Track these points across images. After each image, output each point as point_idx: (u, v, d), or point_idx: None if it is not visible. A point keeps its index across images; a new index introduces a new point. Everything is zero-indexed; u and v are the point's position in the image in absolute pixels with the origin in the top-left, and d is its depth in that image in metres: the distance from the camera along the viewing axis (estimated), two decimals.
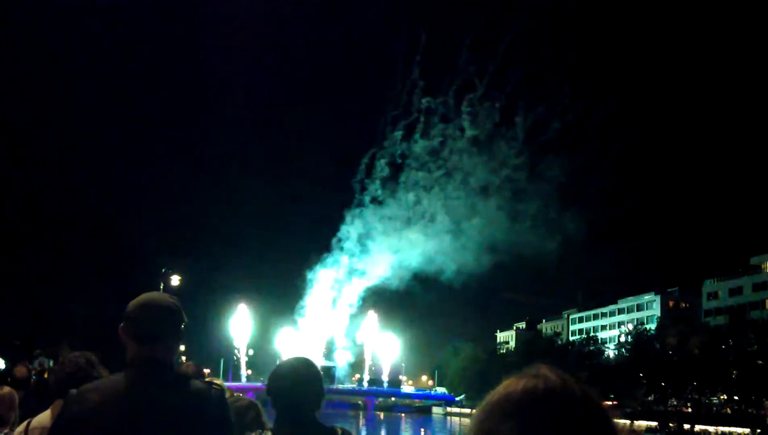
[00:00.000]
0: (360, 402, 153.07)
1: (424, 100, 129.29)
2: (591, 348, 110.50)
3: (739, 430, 69.28)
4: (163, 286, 40.79)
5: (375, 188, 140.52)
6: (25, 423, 4.29)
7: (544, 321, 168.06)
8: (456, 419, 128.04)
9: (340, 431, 3.60)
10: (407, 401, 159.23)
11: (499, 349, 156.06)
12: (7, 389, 5.99)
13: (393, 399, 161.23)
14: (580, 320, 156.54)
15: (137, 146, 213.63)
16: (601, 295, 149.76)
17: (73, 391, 2.96)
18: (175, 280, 42.75)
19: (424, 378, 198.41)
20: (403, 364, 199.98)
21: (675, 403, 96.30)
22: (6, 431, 5.45)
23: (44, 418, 4.21)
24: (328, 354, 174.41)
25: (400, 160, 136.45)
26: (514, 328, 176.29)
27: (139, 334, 3.05)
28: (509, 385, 1.47)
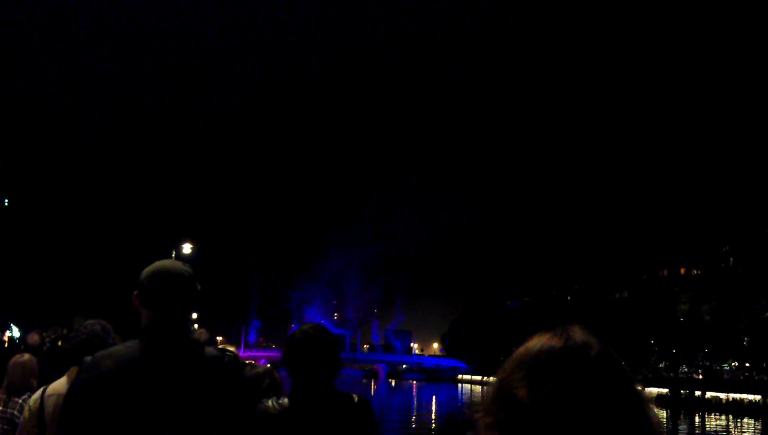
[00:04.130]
0: (370, 369, 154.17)
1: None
2: (601, 314, 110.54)
3: (751, 397, 69.29)
4: (175, 254, 40.90)
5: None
6: (41, 389, 4.32)
7: (553, 292, 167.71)
8: (467, 386, 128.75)
9: (356, 398, 3.60)
10: (418, 368, 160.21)
11: (509, 317, 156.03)
12: (27, 356, 6.06)
13: (404, 366, 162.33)
14: (591, 288, 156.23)
15: (144, 111, 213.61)
16: (613, 262, 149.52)
17: (88, 357, 2.98)
18: (186, 248, 42.82)
19: (435, 345, 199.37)
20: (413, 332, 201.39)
21: (686, 370, 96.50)
22: (24, 397, 5.51)
23: (60, 384, 4.24)
24: (341, 322, 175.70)
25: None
26: (524, 298, 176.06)
27: (152, 302, 3.06)
28: (532, 341, 1.49)
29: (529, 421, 1.36)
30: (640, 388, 1.46)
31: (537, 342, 1.47)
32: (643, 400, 1.44)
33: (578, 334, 1.47)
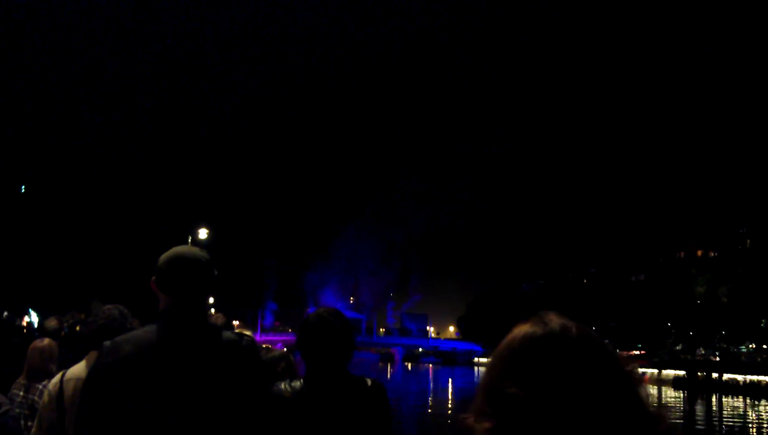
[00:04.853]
0: (386, 352, 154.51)
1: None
2: (617, 296, 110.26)
3: None
4: (191, 240, 41.02)
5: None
6: (59, 374, 4.35)
7: (570, 275, 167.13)
8: (483, 369, 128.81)
9: (370, 382, 3.60)
10: (434, 352, 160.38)
11: (525, 300, 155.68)
12: (47, 341, 6.08)
13: (420, 350, 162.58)
14: (607, 270, 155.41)
15: (163, 100, 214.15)
16: (629, 244, 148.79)
17: (108, 342, 3.00)
18: (203, 233, 42.93)
19: (451, 329, 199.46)
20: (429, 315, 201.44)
21: (703, 352, 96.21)
22: (44, 383, 5.54)
23: (79, 369, 4.26)
24: (357, 305, 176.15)
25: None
26: (540, 280, 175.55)
27: (169, 287, 3.09)
28: (511, 336, 1.49)
29: (528, 418, 1.34)
30: (625, 363, 1.46)
31: (517, 335, 1.47)
32: (632, 376, 1.43)
33: (554, 319, 1.46)
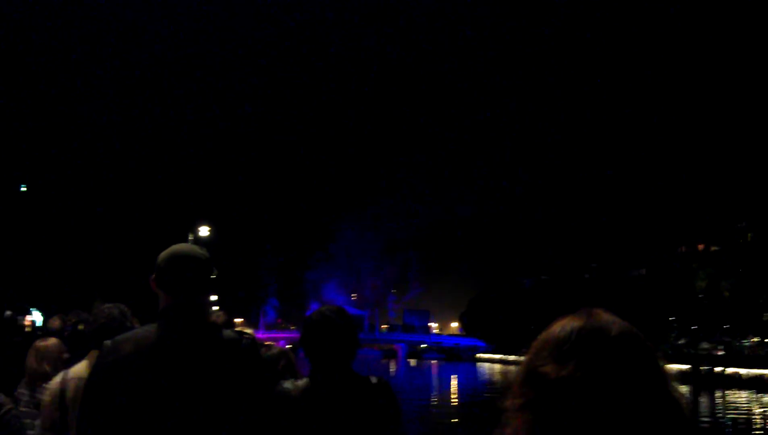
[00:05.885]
0: (389, 349, 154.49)
1: None
2: (619, 291, 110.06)
3: None
4: (193, 238, 40.98)
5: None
6: (61, 373, 4.35)
7: (571, 270, 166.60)
8: (486, 365, 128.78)
9: (375, 380, 3.59)
10: (437, 348, 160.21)
11: (527, 295, 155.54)
12: (53, 340, 6.06)
13: (423, 346, 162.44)
14: (609, 265, 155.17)
15: (164, 98, 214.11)
16: (630, 239, 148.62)
17: (108, 341, 3.00)
18: (204, 230, 42.87)
19: (454, 325, 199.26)
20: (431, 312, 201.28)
21: (706, 346, 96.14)
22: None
23: (80, 368, 4.26)
24: (359, 301, 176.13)
25: None
26: (542, 276, 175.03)
27: (169, 285, 3.09)
28: (556, 324, 1.52)
29: (556, 398, 1.38)
30: (663, 363, 1.47)
31: (560, 323, 1.50)
32: (666, 375, 1.46)
33: (600, 314, 1.50)
